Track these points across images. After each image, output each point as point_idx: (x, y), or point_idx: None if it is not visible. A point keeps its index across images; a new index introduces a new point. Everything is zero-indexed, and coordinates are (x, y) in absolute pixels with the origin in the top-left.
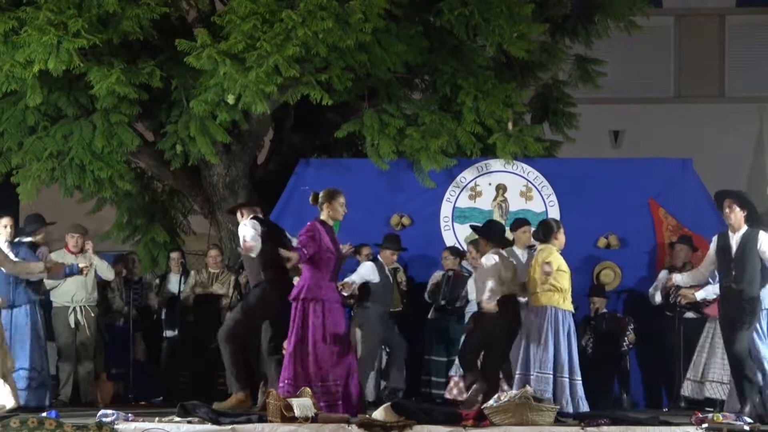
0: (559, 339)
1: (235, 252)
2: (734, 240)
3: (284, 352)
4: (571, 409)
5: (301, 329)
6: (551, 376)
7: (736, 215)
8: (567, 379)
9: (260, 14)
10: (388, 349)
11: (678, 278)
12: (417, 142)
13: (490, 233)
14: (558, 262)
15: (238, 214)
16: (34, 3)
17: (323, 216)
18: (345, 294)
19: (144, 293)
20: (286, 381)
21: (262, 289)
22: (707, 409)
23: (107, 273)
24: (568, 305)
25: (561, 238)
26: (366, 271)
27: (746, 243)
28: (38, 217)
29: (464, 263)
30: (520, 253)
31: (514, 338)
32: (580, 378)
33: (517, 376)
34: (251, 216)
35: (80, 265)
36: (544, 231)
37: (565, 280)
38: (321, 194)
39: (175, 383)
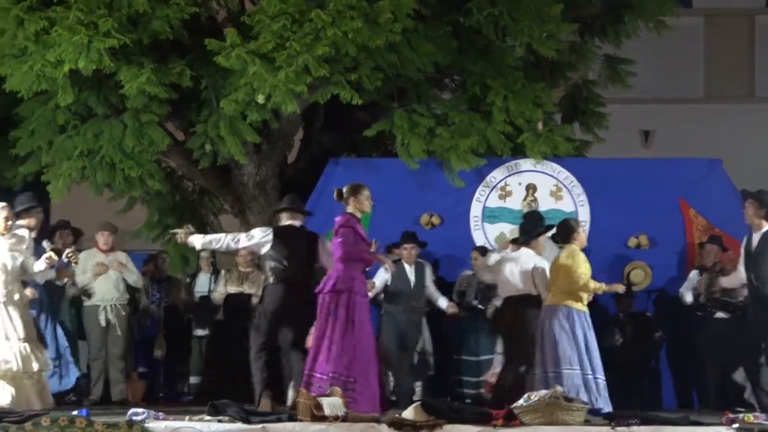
0: (577, 336)
1: None
2: (754, 240)
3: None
4: (599, 406)
5: (326, 321)
6: (579, 372)
7: (754, 214)
8: (591, 377)
9: (290, 14)
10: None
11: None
12: (447, 141)
13: (532, 230)
14: (585, 264)
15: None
16: (65, 3)
17: (350, 209)
18: (369, 294)
19: (172, 292)
20: (307, 373)
21: (263, 294)
22: (738, 409)
23: (138, 282)
24: (583, 306)
25: (581, 237)
26: (380, 276)
27: (765, 242)
28: (63, 222)
29: None
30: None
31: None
32: (602, 376)
33: (536, 375)
34: (281, 224)
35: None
36: (563, 232)
37: (593, 284)
38: (345, 189)
39: (206, 382)
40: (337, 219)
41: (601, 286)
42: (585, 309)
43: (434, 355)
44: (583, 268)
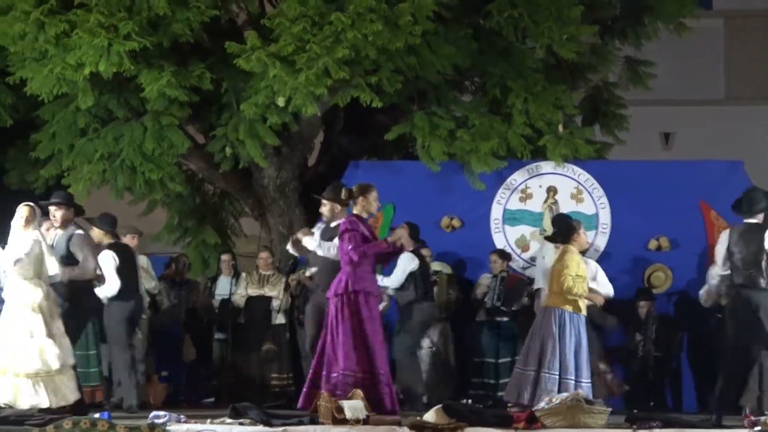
0: (564, 340)
1: (285, 254)
2: None
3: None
4: None
5: (341, 323)
6: (557, 377)
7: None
8: (573, 381)
9: (310, 17)
10: None
11: None
12: (467, 144)
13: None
14: (578, 266)
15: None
16: (85, 6)
17: (357, 210)
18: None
19: (192, 295)
20: (342, 374)
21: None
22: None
23: (155, 290)
24: (577, 308)
25: (581, 238)
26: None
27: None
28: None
29: (512, 264)
30: None
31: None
32: (588, 380)
33: (517, 370)
34: (326, 219)
35: None
36: (564, 232)
37: (580, 287)
38: (354, 189)
39: (226, 385)
40: (345, 221)
41: (584, 292)
42: (580, 311)
43: (455, 357)
44: (574, 270)
